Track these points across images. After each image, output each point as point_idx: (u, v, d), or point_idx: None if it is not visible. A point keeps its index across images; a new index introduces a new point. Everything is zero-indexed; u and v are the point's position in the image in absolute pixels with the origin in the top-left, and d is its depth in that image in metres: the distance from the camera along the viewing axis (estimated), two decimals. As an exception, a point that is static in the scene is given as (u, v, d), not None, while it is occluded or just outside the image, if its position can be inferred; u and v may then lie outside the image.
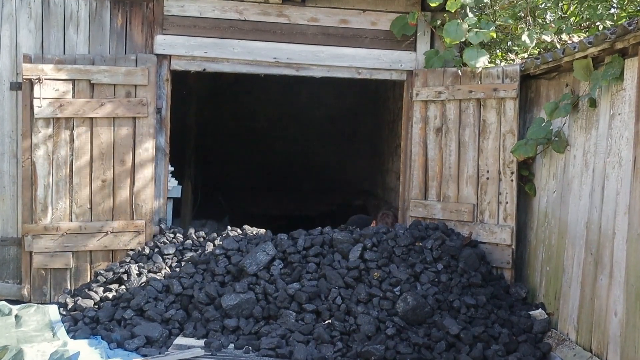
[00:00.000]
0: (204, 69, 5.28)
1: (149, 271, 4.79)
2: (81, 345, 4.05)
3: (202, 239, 5.11)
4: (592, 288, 3.83)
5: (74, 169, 4.99)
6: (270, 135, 10.00)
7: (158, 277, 4.70)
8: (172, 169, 5.53)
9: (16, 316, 4.31)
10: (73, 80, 4.94)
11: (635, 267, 3.39)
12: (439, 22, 5.25)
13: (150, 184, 5.13)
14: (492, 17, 5.56)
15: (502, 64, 5.23)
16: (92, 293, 4.66)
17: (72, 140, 4.97)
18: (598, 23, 5.13)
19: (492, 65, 5.11)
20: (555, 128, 4.37)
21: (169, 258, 4.94)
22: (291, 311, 4.29)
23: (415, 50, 5.36)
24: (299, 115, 9.86)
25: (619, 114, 3.64)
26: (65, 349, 3.77)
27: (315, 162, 9.94)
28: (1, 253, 5.08)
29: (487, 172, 4.96)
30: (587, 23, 5.33)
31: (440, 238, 4.72)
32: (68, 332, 4.27)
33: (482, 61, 4.91)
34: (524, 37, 5.02)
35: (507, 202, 4.85)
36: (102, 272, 4.89)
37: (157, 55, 5.16)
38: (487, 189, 4.96)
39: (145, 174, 5.12)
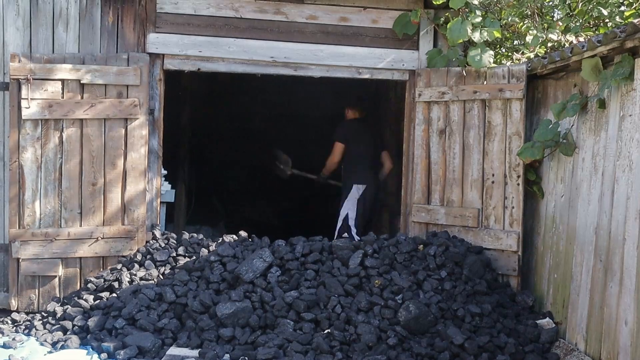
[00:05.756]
0: (199, 69, 5.14)
1: (141, 278, 4.66)
2: (71, 356, 3.94)
3: (196, 245, 4.99)
4: (601, 296, 3.73)
5: (63, 172, 4.84)
6: (268, 136, 9.88)
7: (150, 285, 4.57)
8: (166, 172, 5.40)
9: None
10: (62, 80, 4.78)
11: (647, 274, 3.29)
12: (442, 20, 5.13)
13: (143, 187, 4.99)
14: (497, 15, 5.45)
15: (508, 63, 5.12)
16: (82, 301, 4.53)
17: (61, 142, 4.82)
18: (607, 21, 5.03)
19: (498, 64, 5.01)
20: (563, 130, 4.27)
21: (161, 265, 4.81)
22: (289, 320, 4.18)
23: (417, 49, 5.23)
24: (297, 117, 9.74)
25: (630, 115, 3.54)
26: None
27: (314, 165, 9.83)
28: (-12, 260, 4.94)
29: (493, 175, 4.84)
30: (596, 22, 5.23)
31: (443, 244, 4.62)
32: (57, 342, 4.14)
33: (487, 61, 4.80)
34: (529, 38, 4.93)
35: (513, 207, 4.73)
36: (92, 279, 4.75)
37: (150, 54, 5.01)
38: (492, 193, 4.84)
39: (138, 177, 4.97)
